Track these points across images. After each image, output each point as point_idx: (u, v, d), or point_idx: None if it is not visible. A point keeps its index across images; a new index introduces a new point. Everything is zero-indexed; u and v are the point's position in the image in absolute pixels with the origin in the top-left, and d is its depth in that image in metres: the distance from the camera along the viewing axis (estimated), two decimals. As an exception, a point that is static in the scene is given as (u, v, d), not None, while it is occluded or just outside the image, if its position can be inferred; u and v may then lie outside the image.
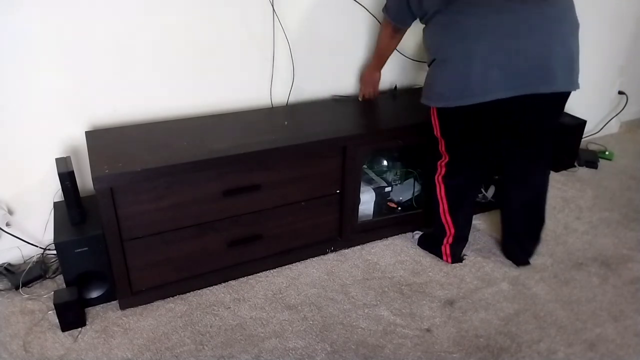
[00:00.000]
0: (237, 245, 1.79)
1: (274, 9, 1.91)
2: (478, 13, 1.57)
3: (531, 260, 1.97)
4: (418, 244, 2.05)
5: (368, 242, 2.06)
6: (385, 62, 2.10)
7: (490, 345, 1.60)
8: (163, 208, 1.60)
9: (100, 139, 1.69)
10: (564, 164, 2.71)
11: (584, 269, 1.95)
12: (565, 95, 1.69)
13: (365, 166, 2.10)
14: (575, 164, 2.74)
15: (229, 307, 1.72)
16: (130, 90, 1.81)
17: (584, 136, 2.73)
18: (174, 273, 1.73)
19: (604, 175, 2.68)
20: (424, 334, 1.63)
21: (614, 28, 2.83)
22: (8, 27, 1.56)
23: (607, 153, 2.85)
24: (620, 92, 3.07)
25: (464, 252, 1.98)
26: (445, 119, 1.74)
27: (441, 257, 1.96)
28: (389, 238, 2.10)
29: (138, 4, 1.70)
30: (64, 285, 1.65)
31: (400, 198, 2.15)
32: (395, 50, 2.07)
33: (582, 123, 2.65)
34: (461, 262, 1.96)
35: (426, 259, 1.98)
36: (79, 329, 1.60)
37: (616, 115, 3.12)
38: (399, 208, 2.13)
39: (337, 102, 2.13)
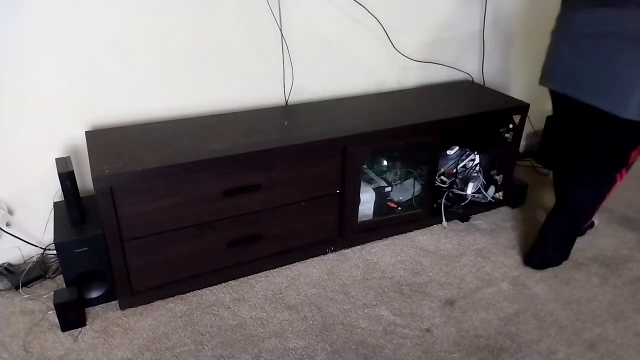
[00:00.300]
0: (237, 245, 1.79)
1: (272, 10, 1.91)
2: None
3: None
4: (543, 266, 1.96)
5: (368, 242, 2.07)
6: None
7: (490, 345, 1.60)
8: (163, 208, 1.60)
9: (100, 139, 1.69)
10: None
11: (584, 269, 1.95)
12: None
13: (365, 166, 2.10)
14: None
15: (229, 307, 1.72)
16: (130, 90, 1.81)
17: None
18: (174, 273, 1.73)
19: (604, 175, 2.67)
20: (424, 334, 1.64)
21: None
22: (8, 27, 1.56)
23: (607, 153, 2.85)
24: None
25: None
26: None
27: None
28: (389, 238, 2.10)
29: (138, 4, 1.70)
30: (64, 285, 1.65)
31: (400, 198, 2.16)
32: (395, 50, 2.07)
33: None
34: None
35: (426, 259, 1.98)
36: (79, 329, 1.61)
37: (616, 115, 3.11)
38: (399, 208, 2.13)
39: (338, 102, 2.14)
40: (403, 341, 1.60)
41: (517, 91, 2.69)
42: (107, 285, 1.68)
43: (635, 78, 1.53)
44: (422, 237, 2.12)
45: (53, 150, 1.77)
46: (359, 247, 2.04)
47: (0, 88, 1.62)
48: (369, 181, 2.10)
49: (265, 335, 1.61)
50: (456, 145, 2.24)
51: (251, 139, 1.72)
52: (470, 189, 2.22)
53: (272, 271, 1.89)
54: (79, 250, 1.59)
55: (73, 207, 1.62)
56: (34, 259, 1.85)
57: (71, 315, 1.58)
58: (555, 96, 1.84)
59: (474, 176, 2.23)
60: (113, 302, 1.70)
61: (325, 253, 1.99)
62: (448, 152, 2.21)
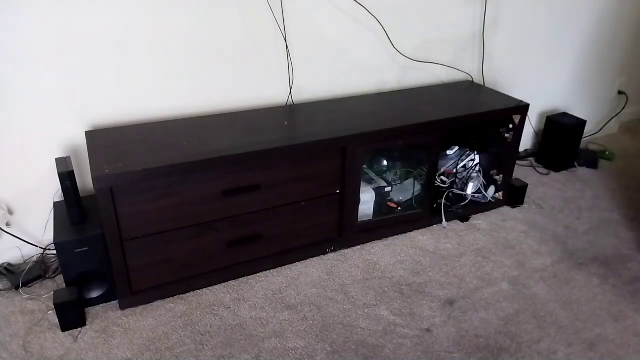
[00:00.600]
0: (237, 245, 1.79)
1: (272, 10, 1.92)
2: None
3: (531, 261, 1.96)
4: None
5: (368, 242, 2.07)
6: None
7: (490, 345, 1.60)
8: (163, 208, 1.61)
9: (100, 139, 1.69)
10: (564, 164, 2.71)
11: (584, 269, 1.95)
12: None
13: (365, 166, 2.10)
14: (576, 164, 2.74)
15: (229, 307, 1.72)
16: (130, 90, 1.81)
17: (584, 136, 2.73)
18: (174, 273, 1.73)
19: (604, 175, 2.68)
20: (424, 334, 1.64)
21: (614, 28, 2.83)
22: (8, 27, 1.56)
23: (607, 153, 2.85)
24: (620, 92, 3.08)
25: None
26: None
27: None
28: (389, 238, 2.10)
29: (138, 4, 1.70)
30: (64, 285, 1.65)
31: (400, 198, 2.16)
32: (395, 50, 2.07)
33: (582, 123, 2.65)
34: None
35: (426, 259, 1.98)
36: (79, 329, 1.61)
37: (616, 115, 3.12)
38: (399, 208, 2.13)
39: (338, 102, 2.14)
40: (403, 341, 1.60)
41: (517, 91, 2.69)
42: (107, 285, 1.68)
43: None
44: (422, 237, 2.12)
45: (53, 150, 1.77)
46: (359, 247, 2.04)
47: (0, 88, 1.62)
48: (369, 181, 2.10)
49: (265, 335, 1.61)
50: (456, 145, 2.24)
51: (251, 139, 1.72)
52: (470, 189, 2.22)
53: (272, 271, 1.89)
54: (79, 250, 1.59)
55: (73, 207, 1.62)
56: (34, 259, 1.85)
57: (71, 315, 1.58)
58: None
59: (474, 176, 2.23)
60: (113, 302, 1.70)
61: (325, 253, 1.99)
62: (448, 152, 2.21)
